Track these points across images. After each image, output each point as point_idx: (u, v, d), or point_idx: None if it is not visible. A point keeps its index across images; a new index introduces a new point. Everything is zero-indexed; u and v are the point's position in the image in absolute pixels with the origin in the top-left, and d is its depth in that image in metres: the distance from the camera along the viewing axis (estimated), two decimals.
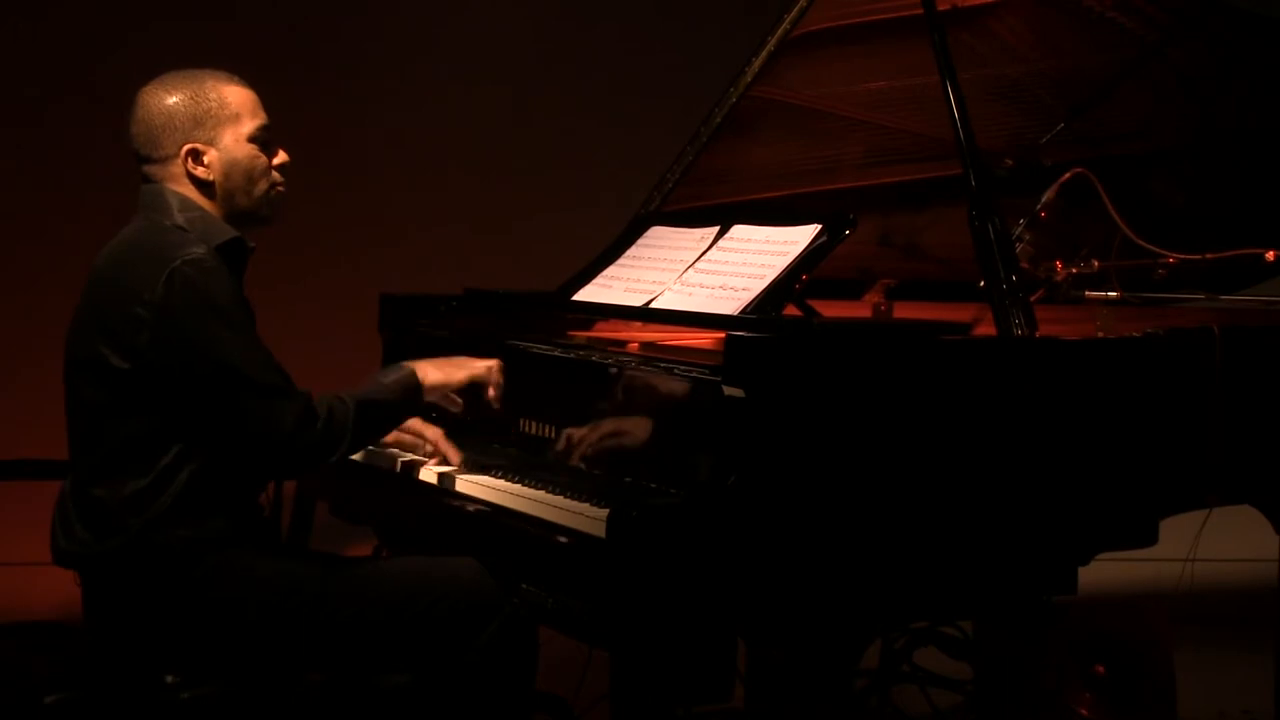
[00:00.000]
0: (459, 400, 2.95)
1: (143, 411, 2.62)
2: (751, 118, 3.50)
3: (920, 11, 3.08)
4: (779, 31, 3.34)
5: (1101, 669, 3.68)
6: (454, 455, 2.96)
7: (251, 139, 2.77)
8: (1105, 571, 2.99)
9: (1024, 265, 3.21)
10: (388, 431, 2.90)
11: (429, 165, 6.06)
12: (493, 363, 2.94)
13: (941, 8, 3.12)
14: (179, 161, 2.73)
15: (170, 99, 2.73)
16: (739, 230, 3.06)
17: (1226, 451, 3.01)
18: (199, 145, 2.74)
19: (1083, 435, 2.76)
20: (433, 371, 2.87)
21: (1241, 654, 4.30)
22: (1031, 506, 2.70)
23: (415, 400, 2.85)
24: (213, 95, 2.75)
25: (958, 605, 2.91)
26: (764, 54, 3.36)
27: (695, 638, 2.44)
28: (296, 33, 5.94)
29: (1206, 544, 4.02)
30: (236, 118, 2.76)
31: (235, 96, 2.77)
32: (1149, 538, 2.86)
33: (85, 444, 2.71)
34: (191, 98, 2.74)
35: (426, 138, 6.08)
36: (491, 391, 2.92)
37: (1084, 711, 3.65)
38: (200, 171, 2.74)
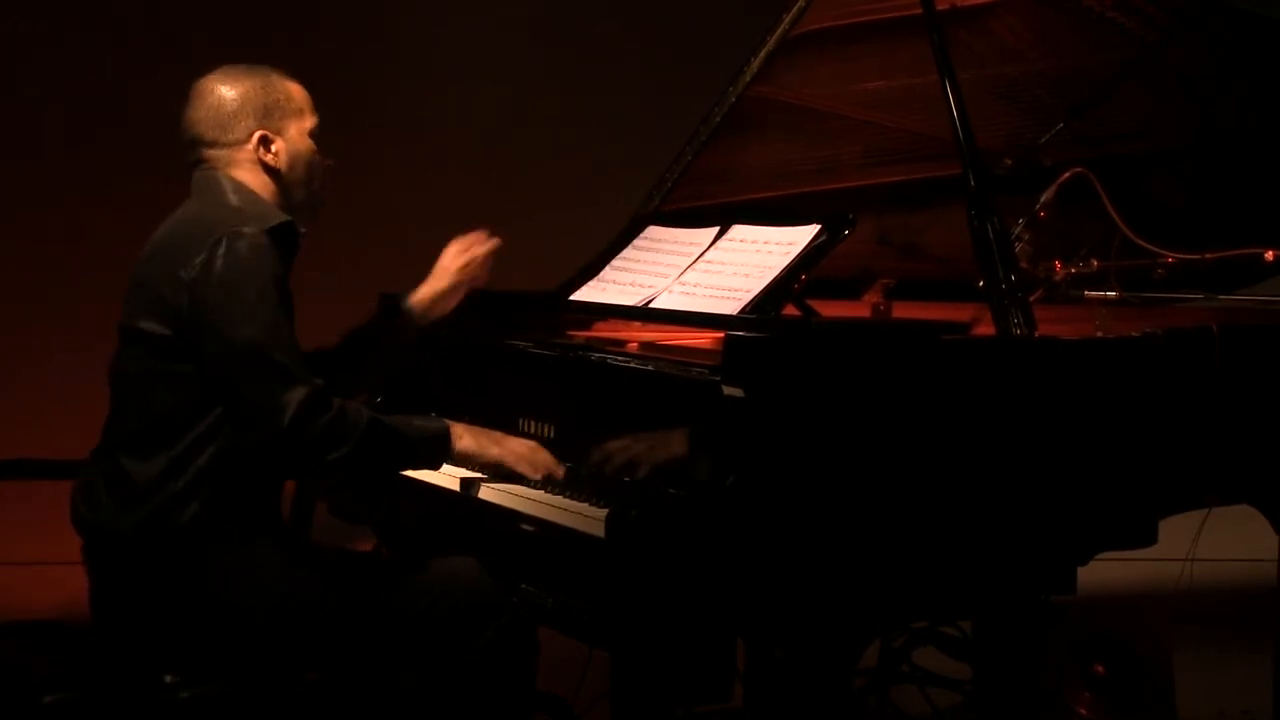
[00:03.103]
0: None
1: (177, 381, 2.66)
2: (751, 117, 3.50)
3: (920, 11, 3.08)
4: (778, 31, 3.34)
5: (1101, 669, 3.68)
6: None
7: (311, 135, 2.86)
8: (1105, 571, 2.99)
9: (1023, 265, 3.21)
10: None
11: (429, 165, 6.06)
12: (532, 443, 2.87)
13: (941, 7, 3.13)
14: (248, 147, 2.79)
15: (242, 86, 2.80)
16: (738, 230, 3.06)
17: (1226, 451, 3.01)
18: (269, 133, 2.80)
19: (1082, 435, 2.76)
20: (467, 438, 2.82)
21: (1241, 654, 4.30)
22: (1031, 506, 2.70)
23: (437, 455, 2.81)
24: (279, 88, 2.83)
25: (957, 605, 2.91)
26: (763, 54, 3.36)
27: (695, 638, 2.44)
28: (296, 33, 5.93)
29: (1206, 544, 4.02)
30: (300, 112, 2.85)
31: (299, 93, 2.87)
32: (1148, 538, 2.86)
33: (120, 415, 2.75)
34: (262, 87, 2.81)
35: (426, 138, 6.07)
36: (529, 474, 2.83)
37: (1084, 711, 3.65)
38: (269, 158, 2.80)
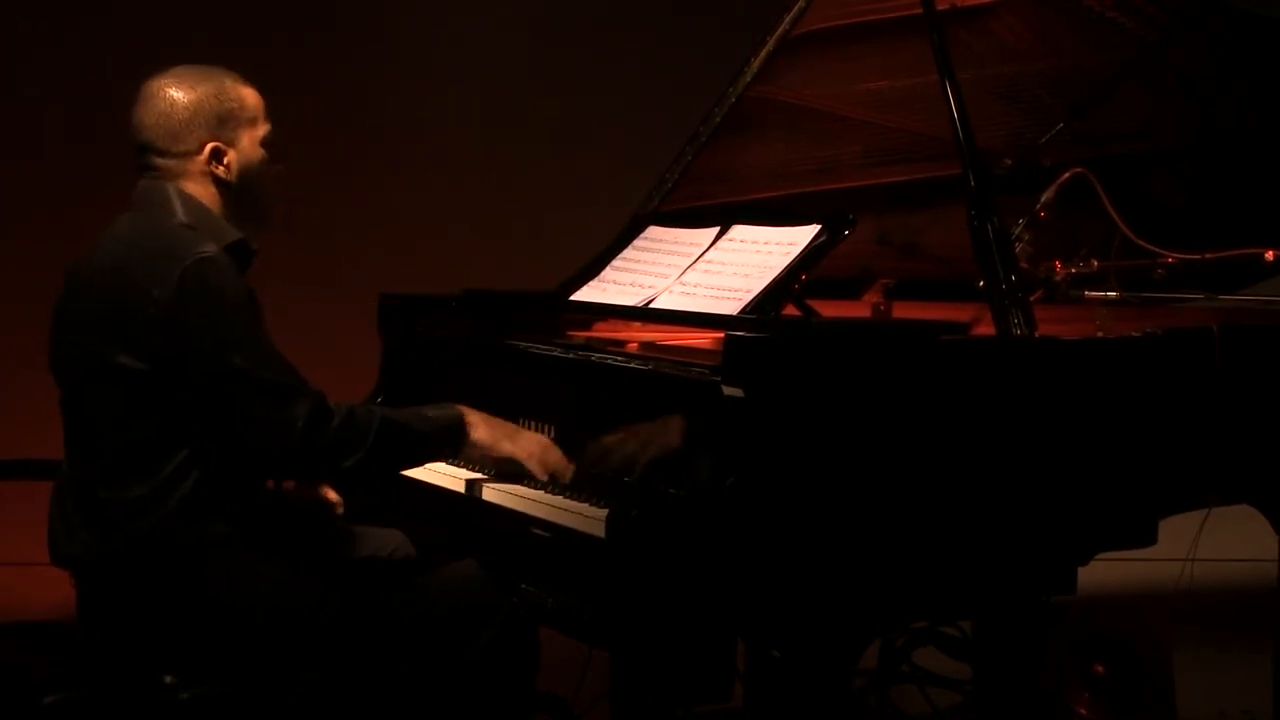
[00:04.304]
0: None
1: (155, 413, 2.60)
2: (751, 117, 3.50)
3: (920, 11, 3.07)
4: (778, 31, 3.34)
5: (1101, 669, 3.68)
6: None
7: (263, 144, 2.77)
8: (1105, 571, 2.99)
9: (1023, 265, 3.21)
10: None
11: (429, 166, 6.06)
12: (544, 440, 2.86)
13: (941, 7, 3.12)
14: (199, 159, 2.71)
15: (194, 94, 2.71)
16: (738, 230, 3.06)
17: (1226, 451, 3.00)
18: (221, 144, 2.72)
19: (1082, 435, 2.76)
20: (482, 429, 2.80)
21: (1241, 654, 4.30)
22: (1031, 507, 2.70)
23: (453, 447, 2.80)
24: (234, 95, 2.74)
25: (958, 605, 2.91)
26: (763, 54, 3.36)
27: (695, 638, 2.44)
28: (296, 33, 5.94)
29: (1206, 544, 4.02)
30: (254, 121, 2.76)
31: (253, 99, 2.77)
32: (1148, 538, 2.86)
33: (90, 446, 2.68)
34: (215, 95, 2.71)
35: (426, 139, 6.08)
36: (539, 473, 2.82)
37: (1083, 711, 3.65)
38: (220, 171, 2.72)
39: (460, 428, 2.79)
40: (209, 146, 2.71)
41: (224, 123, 2.72)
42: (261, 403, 2.59)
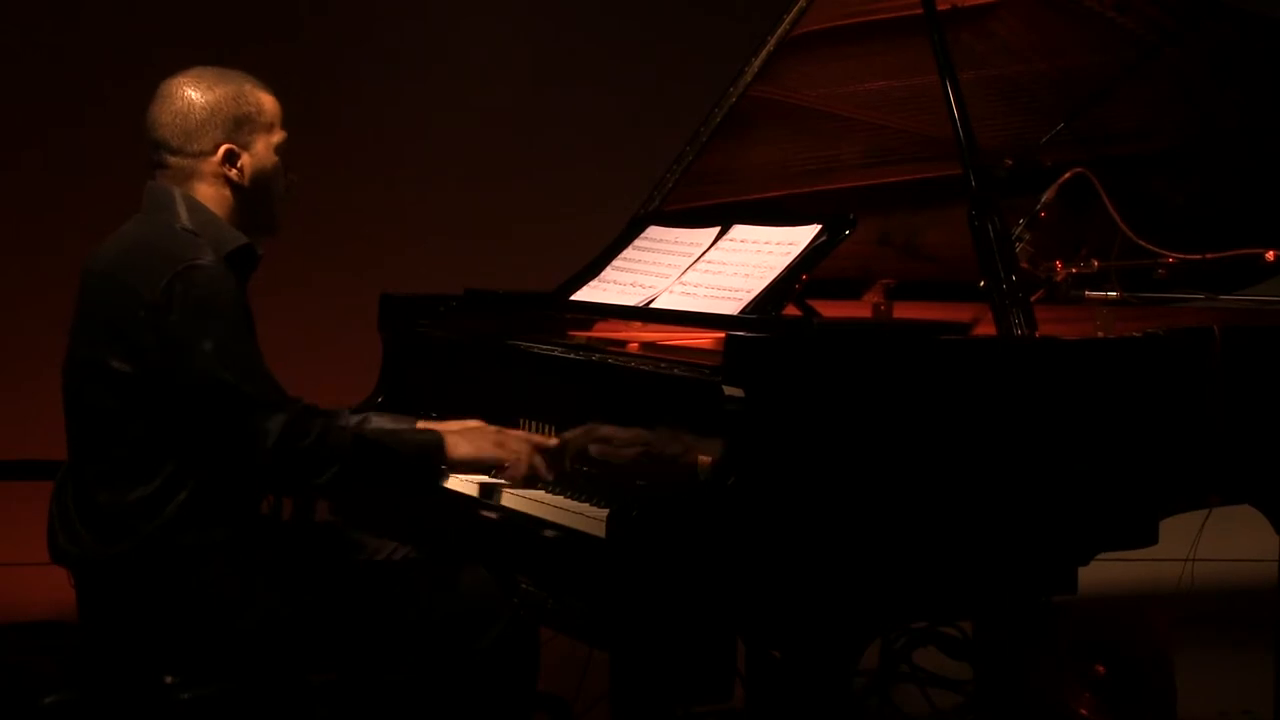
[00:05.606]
0: None
1: (148, 416, 2.60)
2: (751, 118, 3.50)
3: (920, 11, 3.07)
4: (779, 31, 3.34)
5: (1101, 669, 3.68)
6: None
7: (278, 150, 2.76)
8: (1105, 571, 2.99)
9: (1024, 265, 3.20)
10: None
11: (431, 166, 6.07)
12: (531, 437, 2.83)
13: (941, 8, 3.12)
14: (213, 160, 2.70)
15: (212, 95, 2.69)
16: (739, 230, 3.06)
17: (1226, 451, 3.00)
18: (235, 147, 2.71)
19: (1082, 435, 2.76)
20: (463, 445, 2.77)
21: (1241, 654, 4.30)
22: (1031, 506, 2.70)
23: (431, 468, 2.77)
24: (252, 99, 2.73)
25: (958, 605, 2.91)
26: (764, 54, 3.36)
27: (695, 638, 2.44)
28: (297, 34, 5.94)
29: (1206, 544, 4.02)
30: (270, 127, 2.75)
31: (270, 105, 2.76)
32: (1149, 538, 2.86)
33: (89, 448, 2.67)
34: (234, 98, 2.70)
35: (427, 139, 6.08)
36: (527, 470, 2.79)
37: (1084, 711, 3.65)
38: (233, 174, 2.71)
39: (438, 450, 2.75)
40: (223, 148, 2.70)
41: (240, 126, 2.71)
42: (237, 414, 2.58)
